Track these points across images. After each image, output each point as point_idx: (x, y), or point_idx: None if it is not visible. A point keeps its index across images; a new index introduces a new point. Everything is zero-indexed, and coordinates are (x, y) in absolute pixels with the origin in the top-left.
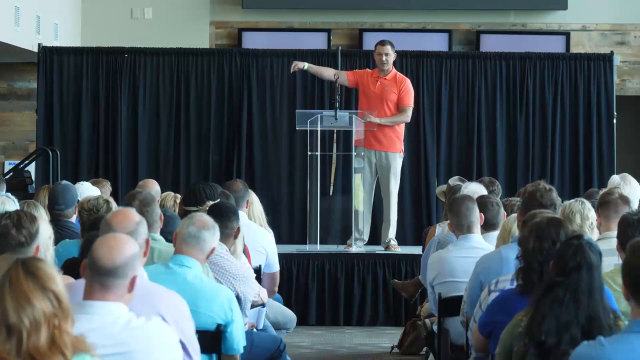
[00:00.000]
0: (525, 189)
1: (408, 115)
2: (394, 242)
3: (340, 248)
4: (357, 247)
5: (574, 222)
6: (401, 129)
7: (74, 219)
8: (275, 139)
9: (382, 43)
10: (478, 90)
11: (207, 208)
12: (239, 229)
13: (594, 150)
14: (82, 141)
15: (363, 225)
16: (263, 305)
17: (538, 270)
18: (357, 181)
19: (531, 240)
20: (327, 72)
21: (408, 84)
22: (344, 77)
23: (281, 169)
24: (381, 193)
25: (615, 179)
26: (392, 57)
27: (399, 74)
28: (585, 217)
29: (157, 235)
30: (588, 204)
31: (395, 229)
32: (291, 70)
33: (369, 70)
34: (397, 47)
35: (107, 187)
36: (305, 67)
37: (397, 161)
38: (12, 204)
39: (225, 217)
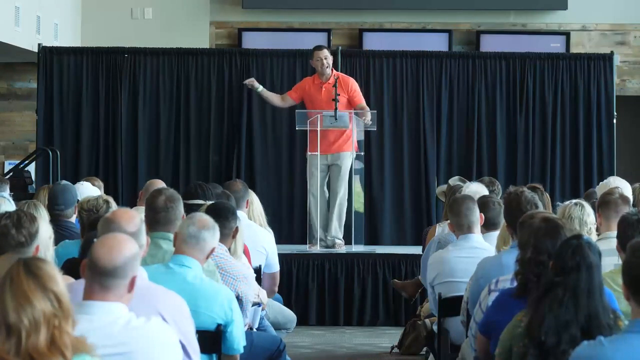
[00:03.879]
0: (504, 199)
1: (369, 110)
2: (339, 241)
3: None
4: (318, 246)
5: (573, 227)
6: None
7: (74, 219)
8: (275, 139)
9: (319, 48)
10: (478, 90)
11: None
12: (237, 228)
13: (594, 150)
14: (82, 141)
15: (320, 225)
16: (258, 304)
17: (535, 281)
18: (357, 183)
19: (529, 250)
20: (276, 99)
21: (354, 83)
22: (289, 99)
23: (281, 169)
24: (330, 191)
25: (605, 182)
26: (331, 59)
27: (340, 74)
28: (584, 222)
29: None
30: (588, 208)
31: (343, 229)
32: (247, 84)
33: (308, 78)
34: (397, 47)
35: (99, 184)
36: (259, 90)
37: (348, 160)
38: (8, 204)
39: (223, 217)
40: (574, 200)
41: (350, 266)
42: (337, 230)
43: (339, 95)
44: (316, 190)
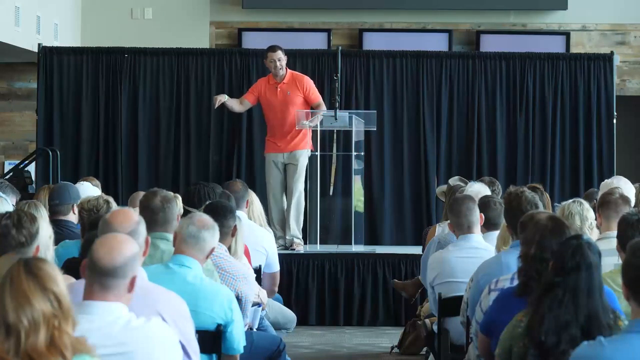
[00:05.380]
0: (504, 199)
1: (324, 107)
2: (297, 240)
3: (341, 248)
4: (279, 245)
5: (574, 223)
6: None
7: (74, 219)
8: None
9: (272, 49)
10: (478, 90)
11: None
12: (235, 226)
13: (593, 150)
14: (82, 141)
15: (279, 224)
16: (258, 304)
17: (537, 278)
18: (357, 182)
19: (533, 246)
20: (236, 105)
21: (309, 81)
22: (246, 102)
23: None
24: (286, 190)
25: (607, 182)
26: (284, 60)
27: (294, 72)
28: (584, 217)
29: (171, 237)
30: (586, 205)
31: (301, 227)
32: (215, 106)
33: (262, 79)
34: (397, 47)
35: (97, 184)
36: (225, 99)
37: (304, 157)
38: (6, 204)
39: (221, 215)
40: (571, 199)
41: (350, 266)
42: (295, 229)
43: (291, 94)
44: (276, 190)
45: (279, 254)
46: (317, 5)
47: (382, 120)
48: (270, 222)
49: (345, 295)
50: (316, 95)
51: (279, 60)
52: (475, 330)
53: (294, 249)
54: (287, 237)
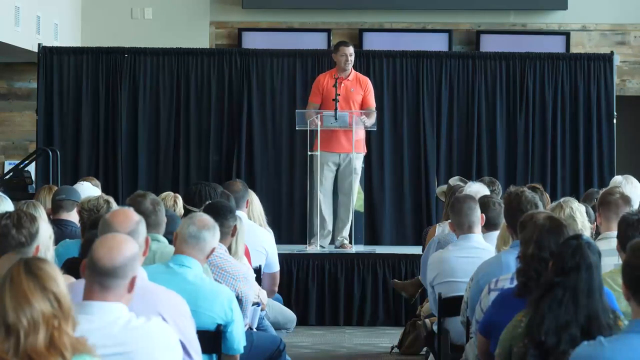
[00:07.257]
0: (504, 199)
1: (375, 115)
2: (347, 242)
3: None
4: (318, 245)
5: (576, 221)
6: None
7: (76, 219)
8: (275, 139)
9: (346, 44)
10: (478, 90)
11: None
12: (235, 226)
13: (594, 150)
14: (82, 141)
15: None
16: (258, 304)
17: (535, 278)
18: (357, 182)
19: (531, 246)
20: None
21: (370, 84)
22: (316, 105)
23: (281, 169)
24: (339, 192)
25: (617, 178)
26: (353, 57)
27: (358, 73)
28: (576, 209)
29: (162, 237)
30: (575, 202)
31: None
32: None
33: (322, 75)
34: (397, 47)
35: (96, 183)
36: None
37: (360, 161)
38: (7, 204)
39: (221, 215)
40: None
41: (350, 266)
42: (347, 231)
43: (354, 92)
44: (327, 189)
45: (280, 254)
46: (317, 5)
47: (382, 120)
48: (321, 223)
49: (345, 295)
50: (372, 100)
51: (350, 55)
52: (475, 330)
53: (345, 249)
54: (339, 238)
